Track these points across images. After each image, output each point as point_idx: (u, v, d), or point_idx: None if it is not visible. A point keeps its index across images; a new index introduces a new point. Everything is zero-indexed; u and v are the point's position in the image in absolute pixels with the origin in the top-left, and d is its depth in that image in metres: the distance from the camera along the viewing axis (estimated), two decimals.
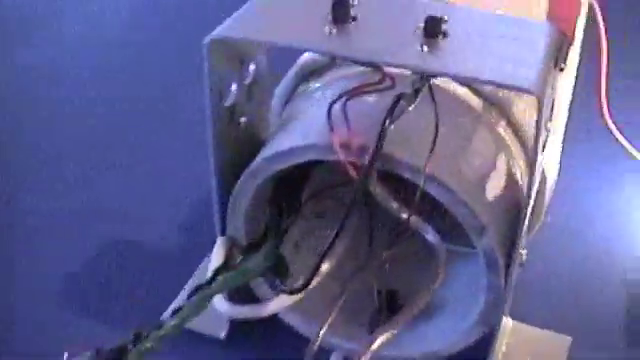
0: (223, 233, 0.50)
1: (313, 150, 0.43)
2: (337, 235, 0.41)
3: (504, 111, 0.48)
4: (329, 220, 0.52)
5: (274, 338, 0.56)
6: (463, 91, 0.48)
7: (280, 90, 0.53)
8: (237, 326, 0.55)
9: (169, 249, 0.63)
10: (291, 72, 0.53)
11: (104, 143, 0.76)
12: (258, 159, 0.45)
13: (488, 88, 0.48)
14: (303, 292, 0.43)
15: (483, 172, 0.45)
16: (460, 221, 0.43)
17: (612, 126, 0.57)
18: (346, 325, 0.51)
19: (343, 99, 0.43)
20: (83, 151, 0.75)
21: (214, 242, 0.58)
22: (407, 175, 0.42)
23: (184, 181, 0.69)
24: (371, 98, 0.44)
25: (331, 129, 0.42)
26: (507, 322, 0.51)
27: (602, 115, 0.56)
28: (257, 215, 0.49)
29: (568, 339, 0.53)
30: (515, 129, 0.48)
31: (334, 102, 0.43)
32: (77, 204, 0.68)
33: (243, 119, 0.49)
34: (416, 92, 0.43)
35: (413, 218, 0.43)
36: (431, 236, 0.43)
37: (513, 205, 0.47)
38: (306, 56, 0.52)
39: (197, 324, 0.54)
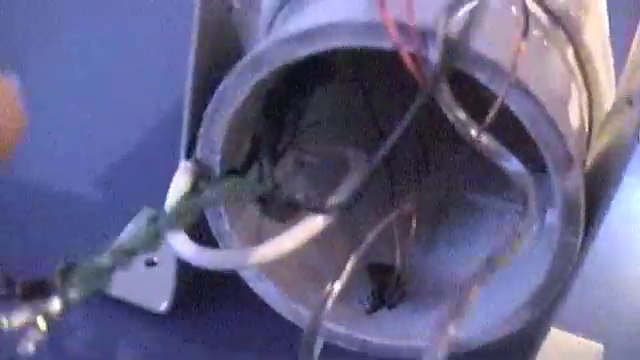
0: (189, 156, 0.36)
1: (353, 30, 0.30)
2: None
3: (572, 36, 0.37)
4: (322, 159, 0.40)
5: (223, 313, 0.43)
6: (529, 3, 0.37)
7: None
8: (181, 298, 0.42)
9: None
10: None
11: None
12: (267, 43, 0.32)
13: (559, 2, 0.37)
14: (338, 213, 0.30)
15: (565, 95, 0.34)
16: (542, 148, 0.31)
17: None
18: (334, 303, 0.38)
19: None
20: None
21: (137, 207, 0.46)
22: (485, 78, 0.30)
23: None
24: None
25: (381, 3, 0.30)
26: None
27: None
28: (242, 133, 0.35)
29: (599, 346, 0.44)
30: (581, 62, 0.38)
31: None
32: None
33: (236, 3, 0.36)
34: None
35: (486, 137, 0.30)
36: (510, 163, 0.30)
37: (584, 148, 0.36)
38: None
39: (132, 294, 0.42)
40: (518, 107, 0.30)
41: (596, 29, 0.39)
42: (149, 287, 0.42)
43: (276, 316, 0.38)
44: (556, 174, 0.31)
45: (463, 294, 0.26)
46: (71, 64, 0.60)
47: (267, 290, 0.38)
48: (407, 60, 0.30)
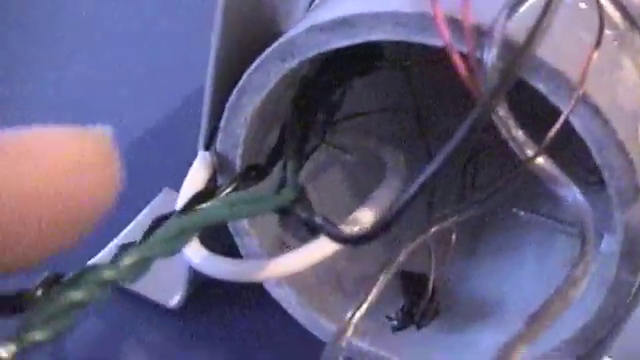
0: (208, 148, 0.33)
1: (397, 22, 0.26)
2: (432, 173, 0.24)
3: None
4: (357, 156, 0.36)
5: (238, 311, 0.40)
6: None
7: None
8: (194, 293, 0.39)
9: None
10: None
11: None
12: (299, 30, 0.29)
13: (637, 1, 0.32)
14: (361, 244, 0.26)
15: (637, 111, 0.30)
16: (607, 176, 0.27)
17: None
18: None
19: None
20: None
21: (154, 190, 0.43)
22: (547, 89, 0.26)
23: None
24: None
25: None
26: None
27: None
28: (268, 125, 0.32)
29: None
30: None
31: None
32: None
33: None
34: None
35: (542, 159, 0.26)
36: (570, 192, 0.26)
37: None
38: None
39: (141, 285, 0.39)
40: (583, 127, 0.26)
41: None
42: (160, 279, 0.39)
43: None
44: (619, 206, 0.27)
45: (506, 354, 0.22)
46: (91, 47, 0.57)
47: (286, 297, 0.34)
48: (458, 62, 0.25)
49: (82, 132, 0.17)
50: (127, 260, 0.21)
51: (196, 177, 0.31)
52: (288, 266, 0.29)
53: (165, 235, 0.23)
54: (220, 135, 0.31)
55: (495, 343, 0.33)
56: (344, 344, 0.28)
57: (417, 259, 0.36)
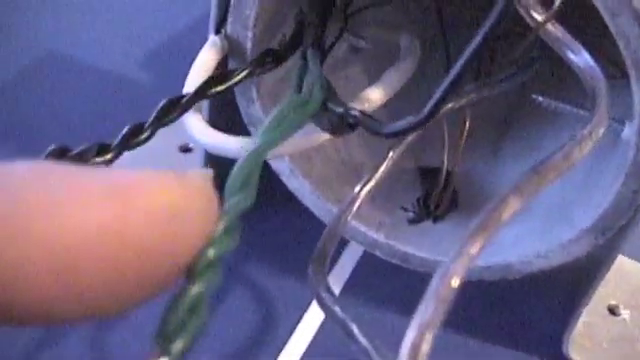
0: (218, 32, 0.32)
1: None
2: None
3: None
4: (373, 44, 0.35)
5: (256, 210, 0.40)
6: None
7: None
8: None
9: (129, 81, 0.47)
10: None
11: None
12: None
13: None
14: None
15: None
16: (622, 46, 0.25)
17: None
18: (375, 207, 0.34)
19: None
20: None
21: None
22: None
23: None
24: None
25: None
26: None
27: None
28: (280, 12, 0.31)
29: None
30: None
31: None
32: None
33: None
34: None
35: (553, 25, 0.25)
36: (579, 56, 0.25)
37: None
38: None
39: None
40: None
41: None
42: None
43: (311, 217, 0.34)
44: (636, 77, 0.26)
45: (497, 206, 0.21)
46: None
47: (300, 188, 0.34)
48: None
49: (182, 177, 0.14)
50: None
51: (205, 60, 0.30)
52: (297, 144, 0.28)
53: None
54: (230, 17, 0.31)
55: (514, 237, 0.32)
56: (349, 218, 0.27)
57: (435, 153, 0.35)
